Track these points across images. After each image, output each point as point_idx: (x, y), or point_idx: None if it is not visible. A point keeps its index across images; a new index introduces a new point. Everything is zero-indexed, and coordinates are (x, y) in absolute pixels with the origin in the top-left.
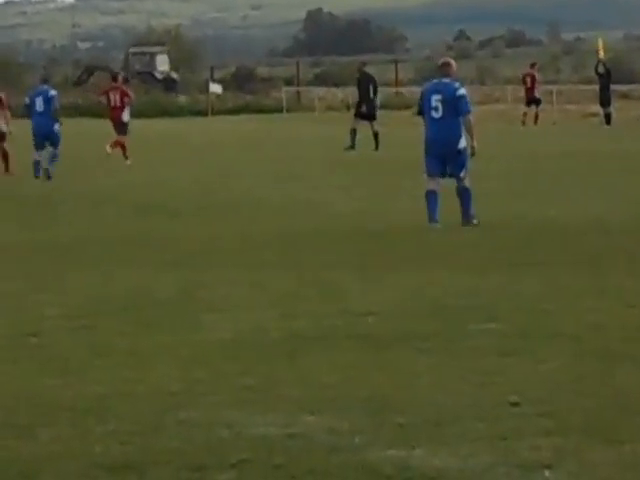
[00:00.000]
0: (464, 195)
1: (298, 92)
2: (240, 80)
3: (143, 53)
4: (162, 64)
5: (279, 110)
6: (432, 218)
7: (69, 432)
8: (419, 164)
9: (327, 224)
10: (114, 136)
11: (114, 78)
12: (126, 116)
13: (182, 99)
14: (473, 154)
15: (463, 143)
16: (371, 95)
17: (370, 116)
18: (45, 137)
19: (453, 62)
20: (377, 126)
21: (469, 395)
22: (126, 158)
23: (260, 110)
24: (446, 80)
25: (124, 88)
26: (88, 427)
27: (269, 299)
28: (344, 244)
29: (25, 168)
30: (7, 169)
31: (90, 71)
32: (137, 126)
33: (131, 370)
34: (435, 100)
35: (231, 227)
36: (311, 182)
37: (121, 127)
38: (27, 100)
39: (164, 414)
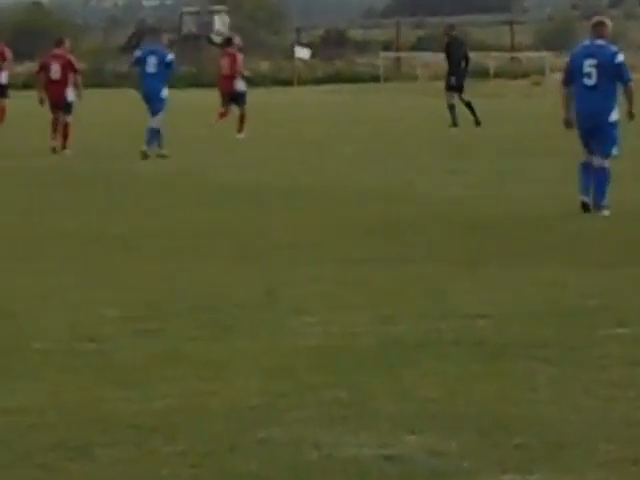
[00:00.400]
0: (601, 176)
1: (398, 58)
2: (331, 44)
3: (199, 13)
4: (221, 26)
5: (376, 79)
6: (581, 191)
7: (132, 453)
8: (537, 142)
9: (432, 212)
10: (218, 109)
11: (228, 42)
12: (240, 84)
13: (264, 66)
14: (632, 117)
15: (615, 116)
16: (462, 64)
17: (458, 88)
18: (150, 102)
19: (608, 21)
20: (467, 96)
21: (596, 411)
22: (239, 131)
23: (354, 79)
24: (600, 42)
25: (237, 54)
26: (154, 447)
27: (364, 299)
28: (452, 235)
29: (85, 146)
30: (64, 146)
31: (140, 35)
32: (211, 98)
33: (204, 381)
34: (588, 65)
35: (321, 215)
36: (413, 163)
37: (237, 97)
38: (138, 53)
39: (242, 432)
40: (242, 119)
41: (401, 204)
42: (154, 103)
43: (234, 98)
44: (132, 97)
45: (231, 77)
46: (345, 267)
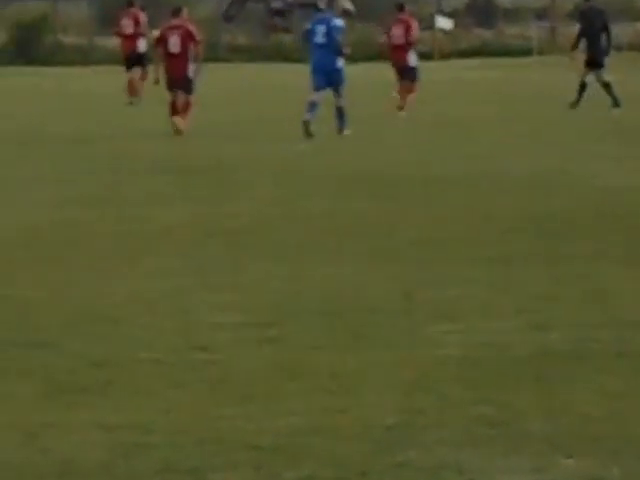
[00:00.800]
0: None
1: (553, 28)
2: (476, 13)
3: None
4: None
5: (527, 52)
6: None
7: (250, 477)
8: None
9: (591, 203)
10: (395, 85)
11: (400, 7)
12: (412, 58)
13: None
14: None
15: None
16: (602, 38)
17: (597, 64)
18: (325, 75)
19: None
20: (607, 75)
21: None
22: (400, 108)
23: (502, 52)
24: None
25: (412, 20)
26: (275, 471)
27: (514, 303)
28: (615, 230)
29: (200, 127)
30: (184, 121)
31: (241, 2)
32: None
33: (332, 396)
34: None
35: (464, 208)
36: (569, 148)
37: (408, 72)
38: (308, 25)
39: (375, 455)
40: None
41: (555, 195)
42: (332, 75)
43: (404, 72)
44: (252, 72)
45: (404, 47)
46: (492, 267)
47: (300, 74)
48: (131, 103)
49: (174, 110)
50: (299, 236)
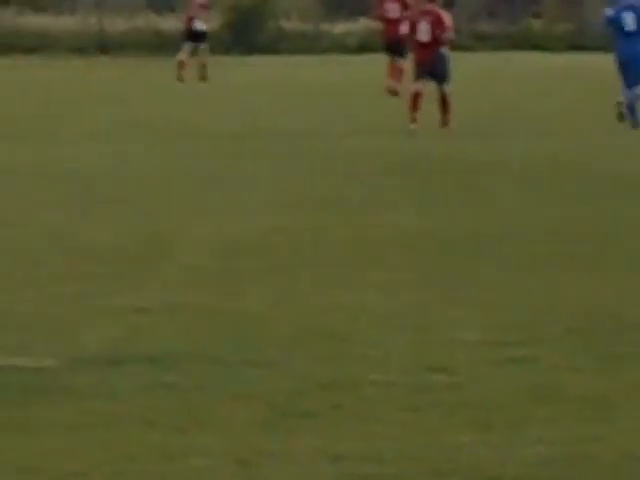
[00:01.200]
0: None
1: None
2: None
3: None
4: None
5: None
6: None
7: None
8: None
9: None
10: None
11: None
12: None
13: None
14: None
15: None
16: None
17: None
18: (634, 68)
19: None
20: None
21: None
22: None
23: None
24: None
25: None
26: None
27: None
28: None
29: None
30: (446, 122)
31: None
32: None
33: (587, 423)
34: None
35: None
36: None
37: None
38: (610, 12)
39: None
40: None
41: None
42: (635, 65)
43: None
44: (496, 61)
45: None
46: None
47: (547, 63)
48: (395, 93)
49: (416, 103)
50: (550, 244)
